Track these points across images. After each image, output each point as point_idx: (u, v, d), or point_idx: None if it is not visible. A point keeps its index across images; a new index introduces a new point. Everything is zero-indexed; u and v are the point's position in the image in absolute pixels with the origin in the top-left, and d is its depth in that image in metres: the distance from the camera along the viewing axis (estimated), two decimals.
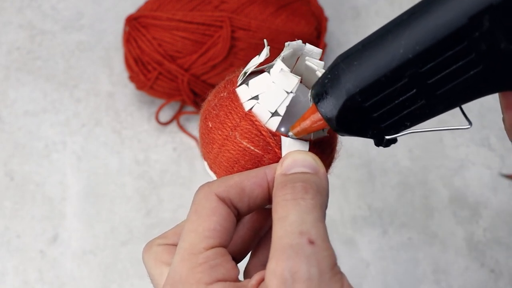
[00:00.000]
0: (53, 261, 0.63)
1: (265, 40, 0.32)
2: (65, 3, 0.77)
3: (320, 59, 0.32)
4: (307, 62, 0.31)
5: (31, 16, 0.77)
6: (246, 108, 0.30)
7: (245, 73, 0.32)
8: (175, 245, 0.31)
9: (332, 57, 0.73)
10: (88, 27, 0.76)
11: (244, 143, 0.30)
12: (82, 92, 0.72)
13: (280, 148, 0.30)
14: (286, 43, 0.31)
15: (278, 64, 0.30)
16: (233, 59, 0.63)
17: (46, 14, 0.77)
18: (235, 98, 0.31)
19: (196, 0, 0.64)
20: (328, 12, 0.72)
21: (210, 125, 0.31)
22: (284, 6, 0.65)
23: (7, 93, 0.72)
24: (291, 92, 0.29)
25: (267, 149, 0.30)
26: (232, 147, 0.30)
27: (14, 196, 0.66)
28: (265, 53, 0.31)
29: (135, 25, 0.65)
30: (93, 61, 0.73)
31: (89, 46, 0.74)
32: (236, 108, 0.30)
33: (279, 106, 0.29)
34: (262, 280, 0.26)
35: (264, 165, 0.30)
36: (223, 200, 0.29)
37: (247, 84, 0.31)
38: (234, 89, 0.31)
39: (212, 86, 0.66)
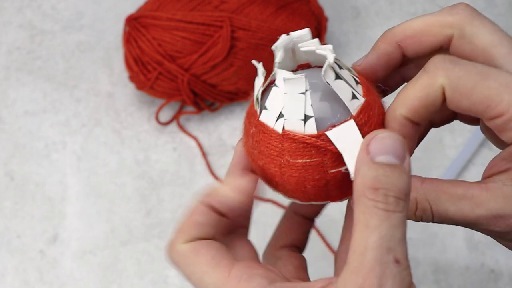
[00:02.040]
0: (53, 261, 0.63)
1: (253, 61, 0.31)
2: (65, 3, 0.77)
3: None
4: (302, 49, 0.30)
5: (31, 16, 0.77)
6: (280, 130, 0.29)
7: (257, 98, 0.30)
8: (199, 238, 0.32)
9: None
10: (88, 27, 0.76)
11: (300, 161, 0.29)
12: (82, 92, 0.72)
13: (332, 143, 0.28)
14: (273, 47, 0.30)
15: (278, 74, 0.29)
16: (233, 59, 0.63)
17: (46, 14, 0.77)
18: (264, 128, 0.29)
19: (196, 0, 0.64)
20: (328, 12, 0.72)
21: (261, 164, 0.30)
22: (284, 6, 0.65)
23: (7, 93, 0.72)
24: (306, 90, 0.28)
25: (322, 153, 0.29)
26: (292, 171, 0.29)
27: (14, 196, 0.66)
28: (261, 71, 0.30)
29: (135, 25, 0.65)
30: (93, 61, 0.73)
31: (89, 46, 0.74)
32: (271, 136, 0.29)
33: (305, 110, 0.28)
34: (329, 283, 0.27)
35: (329, 168, 0.29)
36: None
37: (266, 108, 0.29)
38: (258, 120, 0.30)
39: (212, 86, 0.66)
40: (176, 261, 0.30)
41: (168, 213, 0.65)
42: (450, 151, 0.67)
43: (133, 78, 0.67)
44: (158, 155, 0.68)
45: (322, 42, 0.69)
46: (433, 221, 0.30)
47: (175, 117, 0.70)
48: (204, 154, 0.68)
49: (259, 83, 0.30)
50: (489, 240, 0.63)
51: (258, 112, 0.30)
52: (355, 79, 0.30)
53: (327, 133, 0.28)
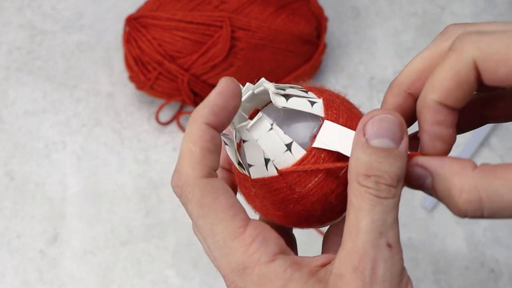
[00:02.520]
0: (53, 261, 0.63)
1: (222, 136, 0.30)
2: (65, 3, 0.77)
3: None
4: (243, 99, 0.30)
5: (31, 16, 0.77)
6: (275, 172, 0.29)
7: (239, 163, 0.30)
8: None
9: (332, 57, 0.73)
10: (88, 27, 0.76)
11: (310, 184, 0.29)
12: (82, 92, 0.72)
13: (325, 150, 0.28)
14: (232, 124, 0.30)
15: (240, 130, 0.29)
16: (233, 59, 0.63)
17: (46, 14, 0.77)
18: (263, 181, 0.29)
19: (196, 0, 0.64)
20: (328, 12, 0.72)
21: (282, 212, 0.30)
22: (284, 6, 0.65)
23: (7, 93, 0.72)
24: (271, 124, 0.28)
25: (321, 164, 0.28)
26: (310, 197, 0.29)
27: (14, 196, 0.66)
28: (229, 141, 0.30)
29: (135, 25, 0.65)
30: (93, 61, 0.73)
31: (89, 46, 0.74)
32: (273, 183, 0.29)
33: (283, 140, 0.28)
34: (327, 264, 0.27)
35: (338, 171, 0.28)
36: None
37: (251, 165, 0.29)
38: (252, 179, 0.30)
39: (212, 86, 0.66)
40: (188, 196, 0.27)
41: (168, 213, 0.65)
42: (450, 151, 0.67)
43: (133, 78, 0.67)
44: (158, 155, 0.68)
45: (322, 42, 0.69)
46: (482, 215, 0.27)
47: (175, 117, 0.70)
48: None
49: (232, 150, 0.30)
50: (489, 240, 0.63)
51: (248, 173, 0.30)
52: (302, 90, 0.31)
53: (314, 145, 0.28)
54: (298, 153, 0.28)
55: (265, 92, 0.30)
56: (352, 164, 0.26)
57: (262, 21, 0.64)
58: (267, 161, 0.29)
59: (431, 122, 0.28)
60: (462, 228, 0.64)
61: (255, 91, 0.30)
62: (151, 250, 0.63)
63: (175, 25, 0.63)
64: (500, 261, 0.62)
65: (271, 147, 0.28)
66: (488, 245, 0.63)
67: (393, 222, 0.26)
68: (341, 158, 0.28)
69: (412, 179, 0.28)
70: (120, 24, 0.71)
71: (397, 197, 0.26)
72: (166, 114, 0.70)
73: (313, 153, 0.28)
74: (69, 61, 0.74)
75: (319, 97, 0.30)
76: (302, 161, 0.28)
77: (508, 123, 0.73)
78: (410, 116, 0.30)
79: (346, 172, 0.28)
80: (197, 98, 0.67)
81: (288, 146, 0.28)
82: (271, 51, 0.64)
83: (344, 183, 0.29)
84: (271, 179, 0.29)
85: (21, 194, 0.66)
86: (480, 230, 0.64)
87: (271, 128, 0.28)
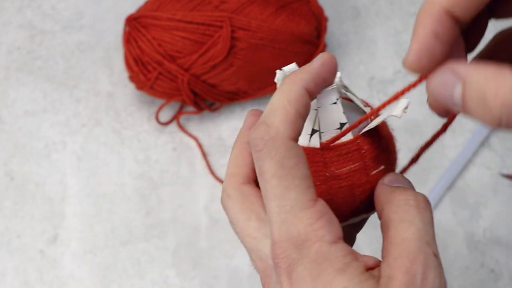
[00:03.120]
0: (53, 261, 0.63)
1: None
2: (65, 3, 0.77)
3: None
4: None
5: (31, 16, 0.77)
6: (318, 145, 0.29)
7: None
8: (248, 177, 0.29)
9: None
10: (88, 27, 0.76)
11: (345, 169, 0.29)
12: (82, 92, 0.72)
13: (368, 143, 0.29)
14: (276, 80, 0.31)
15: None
16: (233, 59, 0.63)
17: (46, 14, 0.77)
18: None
19: (196, 0, 0.64)
20: (328, 12, 0.72)
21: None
22: (284, 6, 0.65)
23: (7, 93, 0.72)
24: (337, 99, 0.29)
25: (362, 155, 0.29)
26: (340, 181, 0.29)
27: (14, 196, 0.66)
28: None
29: (135, 25, 0.65)
30: (93, 61, 0.73)
31: (89, 46, 0.74)
32: (309, 154, 0.29)
33: (340, 118, 0.29)
34: (375, 268, 0.26)
35: (370, 170, 0.30)
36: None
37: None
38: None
39: (212, 86, 0.66)
40: (270, 152, 0.26)
41: (168, 213, 0.65)
42: (450, 151, 0.67)
43: (133, 78, 0.67)
44: (158, 155, 0.68)
45: (322, 42, 0.69)
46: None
47: (175, 117, 0.70)
48: (204, 154, 0.68)
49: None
50: (489, 240, 0.63)
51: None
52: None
53: (368, 127, 0.29)
54: (346, 136, 0.29)
55: None
56: (383, 193, 0.28)
57: (262, 21, 0.64)
58: (313, 131, 0.29)
59: (429, 30, 0.24)
60: (462, 228, 0.64)
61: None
62: (151, 250, 0.63)
63: (175, 25, 0.63)
64: (500, 261, 0.62)
65: (327, 120, 0.29)
66: (488, 245, 0.63)
67: (434, 235, 0.26)
68: (379, 155, 0.30)
69: (438, 89, 0.24)
70: (120, 24, 0.71)
71: (432, 215, 0.27)
72: (166, 114, 0.70)
73: (358, 140, 0.29)
74: (69, 61, 0.74)
75: (367, 106, 0.31)
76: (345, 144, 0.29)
77: None
78: (453, 49, 0.26)
79: (377, 174, 0.30)
80: (197, 98, 0.67)
81: (341, 126, 0.29)
82: (271, 51, 0.64)
83: (372, 184, 0.30)
84: (310, 150, 0.29)
85: (21, 194, 0.66)
86: (480, 230, 0.64)
87: (335, 102, 0.29)
